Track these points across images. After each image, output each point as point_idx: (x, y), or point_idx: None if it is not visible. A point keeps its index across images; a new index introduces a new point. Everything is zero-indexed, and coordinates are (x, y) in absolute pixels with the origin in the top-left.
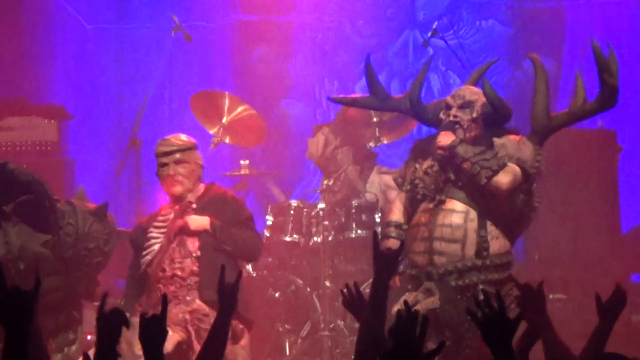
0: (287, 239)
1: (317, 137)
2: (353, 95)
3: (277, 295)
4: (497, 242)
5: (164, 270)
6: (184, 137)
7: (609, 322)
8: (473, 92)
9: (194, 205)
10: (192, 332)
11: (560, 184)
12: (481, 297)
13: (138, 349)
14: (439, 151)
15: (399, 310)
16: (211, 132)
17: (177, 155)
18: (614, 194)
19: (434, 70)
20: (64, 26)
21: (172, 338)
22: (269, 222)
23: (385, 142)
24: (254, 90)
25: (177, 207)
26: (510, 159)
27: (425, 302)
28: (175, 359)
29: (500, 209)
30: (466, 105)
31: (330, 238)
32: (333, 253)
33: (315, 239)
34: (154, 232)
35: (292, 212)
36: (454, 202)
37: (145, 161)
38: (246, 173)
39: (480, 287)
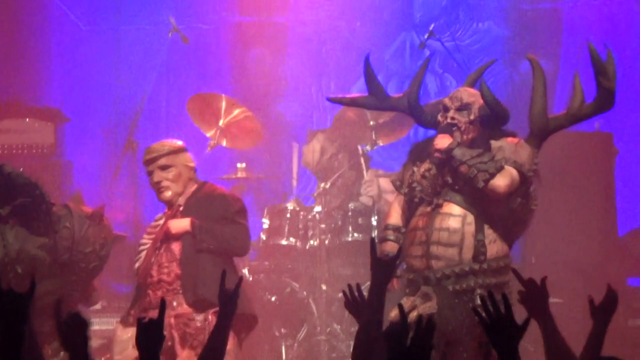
0: (284, 242)
1: (312, 145)
2: (351, 95)
3: (273, 299)
4: (494, 246)
5: (151, 276)
6: (168, 142)
7: (602, 325)
8: (470, 94)
9: (182, 208)
10: (176, 337)
11: (557, 187)
12: (478, 302)
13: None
14: (436, 154)
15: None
16: (208, 134)
17: (162, 161)
18: (610, 196)
19: (430, 72)
20: (60, 28)
21: None
22: (265, 226)
23: (381, 144)
24: (250, 91)
25: (168, 212)
26: (508, 162)
27: (422, 307)
28: None
29: (497, 212)
30: (464, 107)
31: (326, 241)
32: (329, 256)
33: (311, 242)
34: (144, 239)
35: (288, 215)
36: (452, 206)
37: (141, 164)
38: (243, 176)
39: (478, 291)
